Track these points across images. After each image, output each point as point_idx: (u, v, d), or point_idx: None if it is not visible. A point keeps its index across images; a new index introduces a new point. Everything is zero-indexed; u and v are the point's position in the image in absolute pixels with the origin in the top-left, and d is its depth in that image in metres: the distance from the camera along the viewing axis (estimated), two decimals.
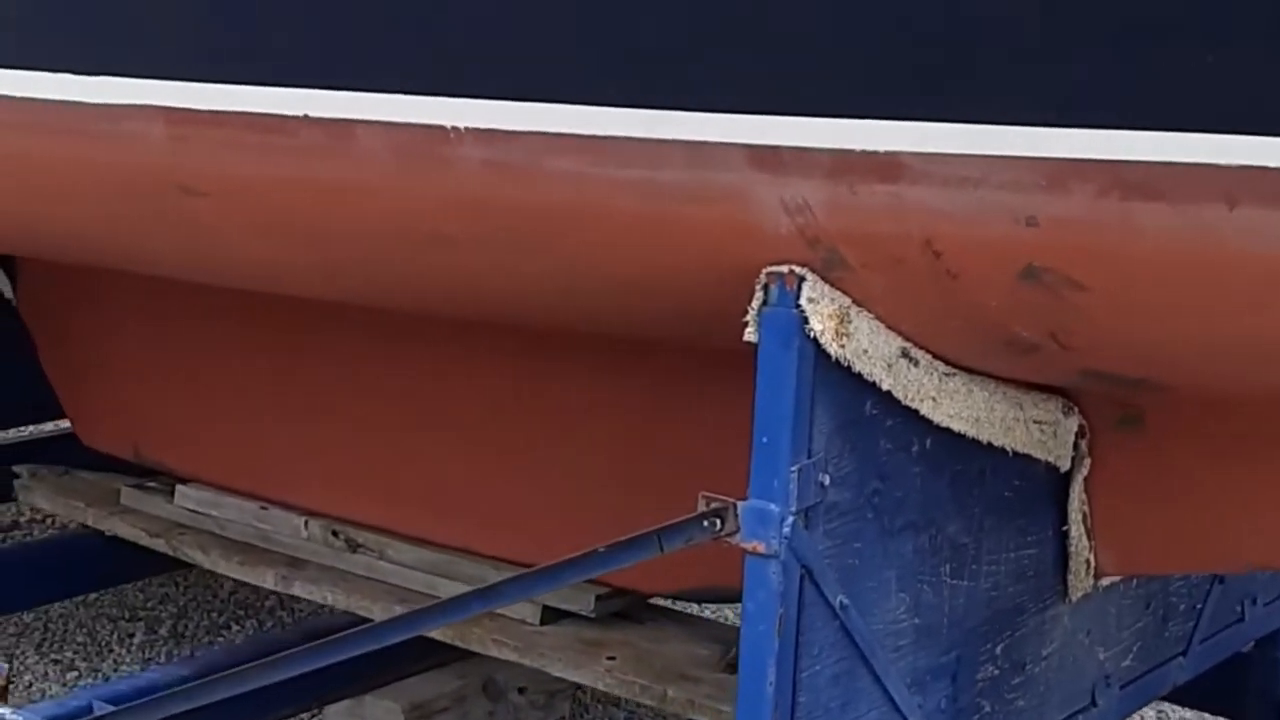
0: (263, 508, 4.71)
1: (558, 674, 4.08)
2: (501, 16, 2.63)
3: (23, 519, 6.45)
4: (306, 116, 2.74)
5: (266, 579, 4.59)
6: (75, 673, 5.15)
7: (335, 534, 4.56)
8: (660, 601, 4.35)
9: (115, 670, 5.20)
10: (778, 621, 2.73)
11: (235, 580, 5.67)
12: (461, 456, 4.32)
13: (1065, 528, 3.37)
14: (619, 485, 4.07)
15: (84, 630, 5.51)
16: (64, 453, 5.43)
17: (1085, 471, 3.31)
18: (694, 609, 4.54)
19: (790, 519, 2.72)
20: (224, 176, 2.90)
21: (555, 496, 4.19)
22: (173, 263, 3.25)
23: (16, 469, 5.25)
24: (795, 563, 2.74)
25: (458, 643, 4.21)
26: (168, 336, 4.88)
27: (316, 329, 4.42)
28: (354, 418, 4.51)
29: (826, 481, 2.78)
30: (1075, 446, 3.31)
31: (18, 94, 2.99)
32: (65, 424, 5.57)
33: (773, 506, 2.71)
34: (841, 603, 2.84)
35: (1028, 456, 3.21)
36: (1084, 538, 3.39)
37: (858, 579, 2.89)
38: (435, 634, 4.27)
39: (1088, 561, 3.44)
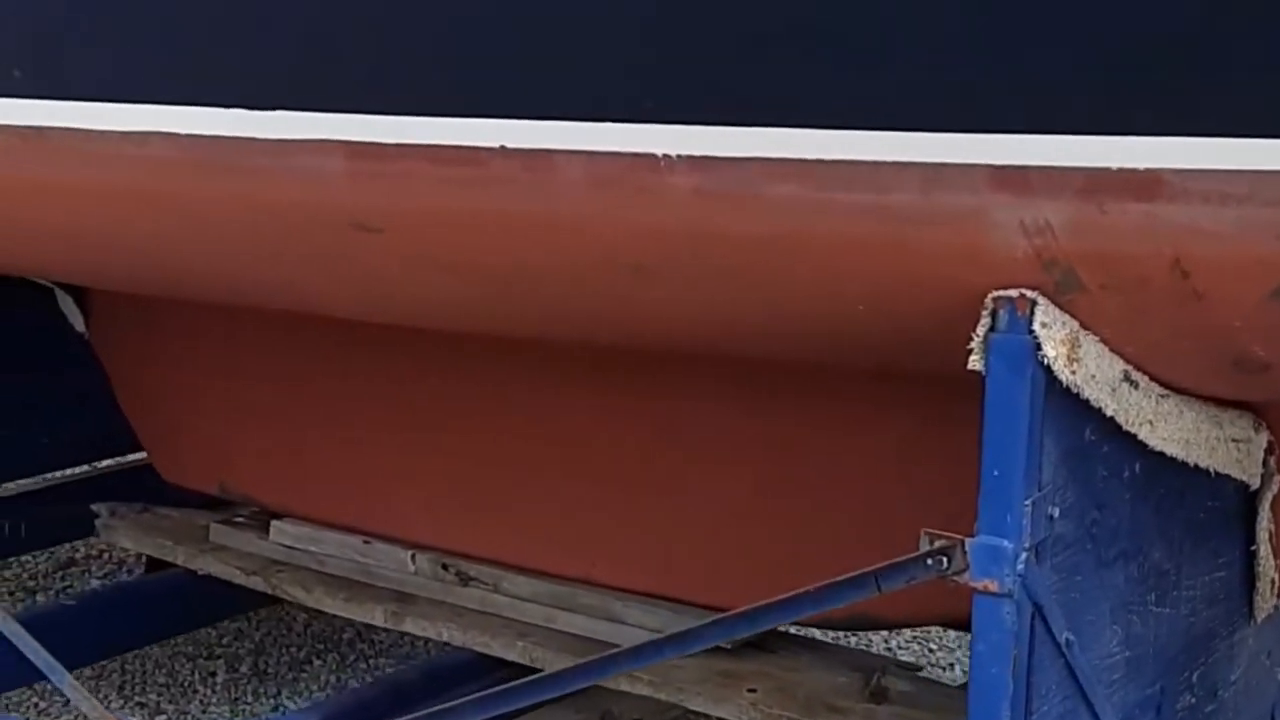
0: (365, 542, 4.57)
1: (697, 709, 3.95)
2: (714, 38, 2.50)
3: (78, 554, 6.30)
4: (503, 148, 2.60)
5: (375, 616, 4.45)
6: (163, 716, 5.00)
7: (445, 567, 4.42)
8: (786, 628, 4.22)
9: (204, 712, 5.05)
10: (1012, 663, 2.60)
11: (309, 613, 5.58)
12: (583, 486, 4.18)
13: (1253, 547, 3.26)
14: (752, 516, 3.96)
15: (163, 670, 5.36)
16: (128, 487, 5.29)
17: (1275, 489, 3.20)
18: (819, 634, 4.41)
19: (1023, 555, 2.59)
20: (404, 212, 2.76)
21: (685, 527, 4.06)
22: (331, 300, 3.12)
23: (95, 507, 5.09)
24: (1028, 601, 2.61)
25: None
26: (254, 366, 4.74)
27: (420, 356, 4.29)
28: (464, 448, 4.37)
29: (1056, 514, 2.66)
30: (1264, 464, 3.20)
31: (184, 131, 2.85)
32: (133, 458, 5.44)
33: (1005, 543, 2.58)
34: (1067, 639, 2.72)
35: (1223, 476, 3.10)
36: (1270, 557, 3.29)
37: (1079, 613, 2.77)
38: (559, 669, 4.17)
39: (1273, 581, 3.33)
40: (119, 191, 3.03)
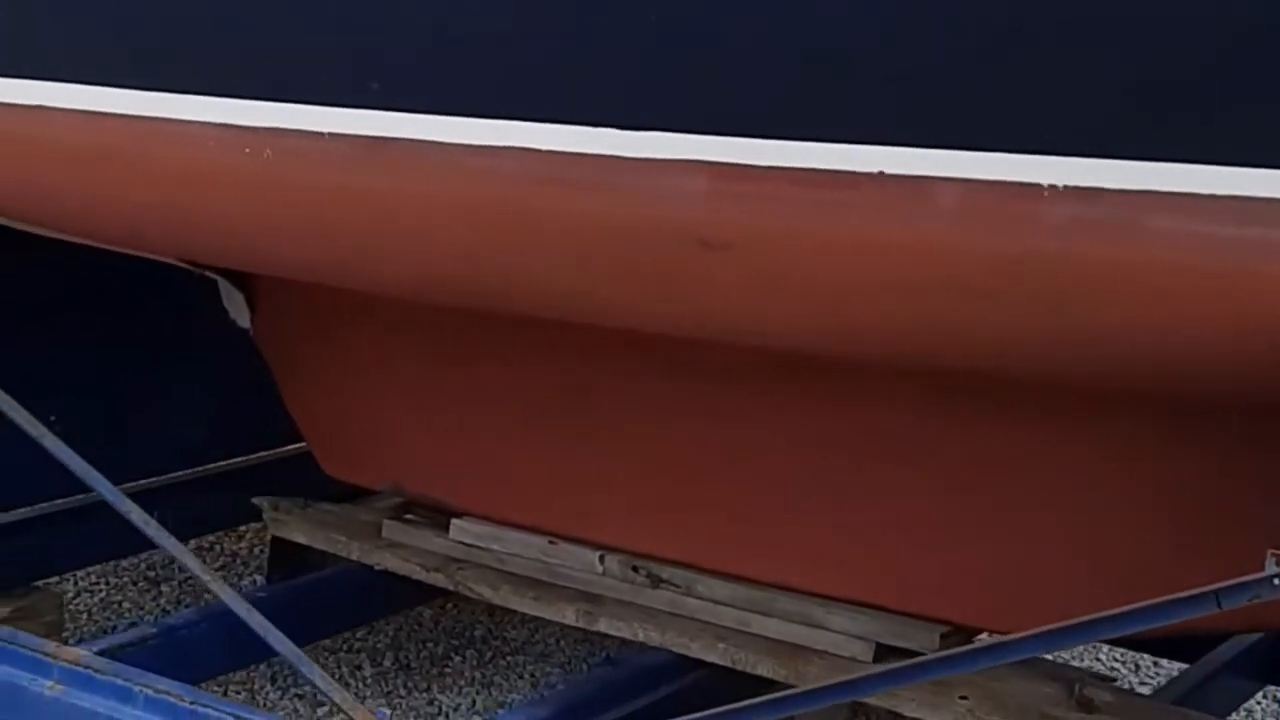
0: (551, 542, 4.64)
1: (911, 714, 4.04)
2: (1103, 70, 2.60)
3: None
4: (881, 174, 2.70)
5: (566, 615, 4.53)
6: (324, 707, 5.05)
7: (635, 569, 4.50)
8: None
9: (361, 703, 5.10)
10: None
11: (434, 609, 5.65)
12: (785, 491, 4.27)
13: None
14: (961, 526, 4.05)
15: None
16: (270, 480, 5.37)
17: None
18: None
19: None
20: (759, 230, 2.85)
21: (892, 535, 4.16)
22: (661, 318, 3.20)
23: (256, 501, 5.14)
24: None
25: (792, 681, 4.16)
26: (432, 363, 4.80)
27: (613, 356, 4.35)
28: (655, 449, 4.45)
29: None
30: None
31: (544, 147, 2.93)
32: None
33: None
34: None
35: None
36: None
37: None
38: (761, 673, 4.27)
39: None
40: (461, 204, 3.10)
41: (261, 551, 5.93)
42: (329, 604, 4.85)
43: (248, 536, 6.24)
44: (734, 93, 2.79)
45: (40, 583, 4.93)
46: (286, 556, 5.25)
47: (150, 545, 4.34)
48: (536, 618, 4.69)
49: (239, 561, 6.12)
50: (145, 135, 3.42)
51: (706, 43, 2.80)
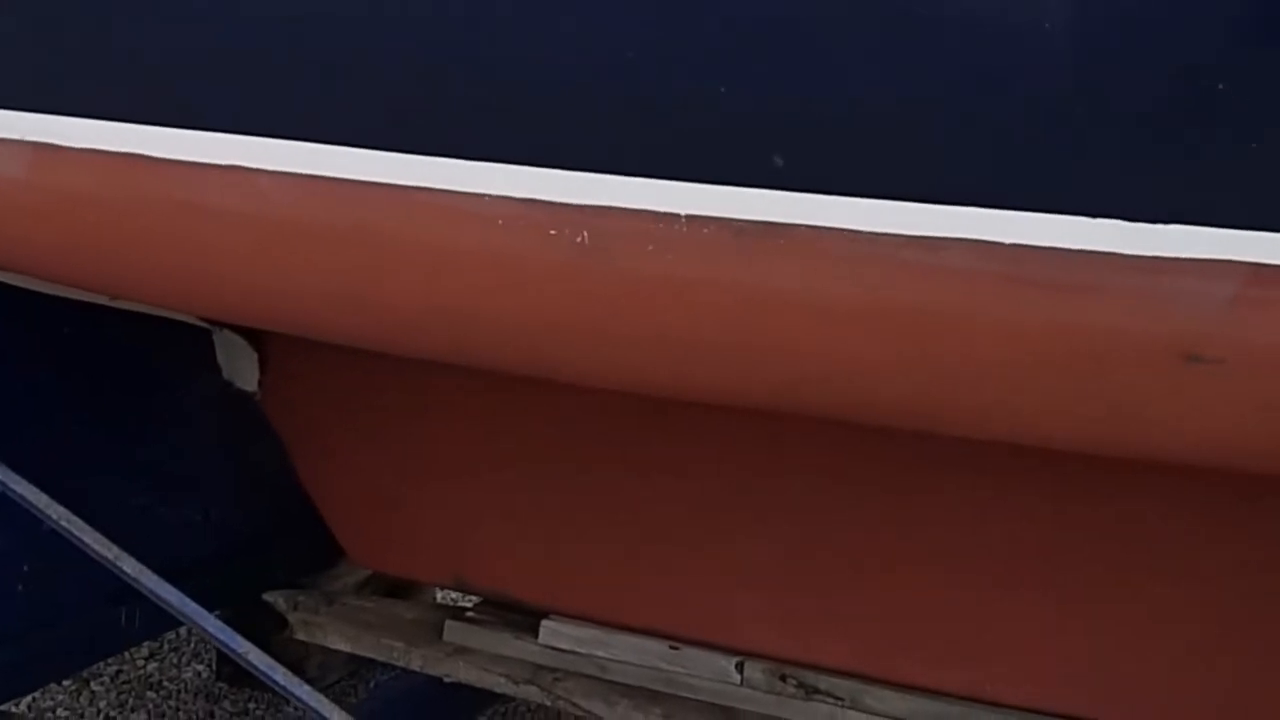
0: (672, 647, 4.00)
1: None
2: None
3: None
4: None
5: None
6: None
7: (784, 678, 3.90)
8: None
9: None
10: None
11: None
12: (977, 587, 3.73)
13: None
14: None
15: None
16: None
17: None
18: None
19: None
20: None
21: (1106, 640, 3.67)
22: (1054, 430, 2.63)
23: (269, 598, 4.35)
24: None
25: None
26: (504, 439, 4.12)
27: (761, 435, 3.76)
28: (803, 540, 3.87)
29: None
30: None
31: (1003, 240, 2.33)
32: None
33: None
34: None
35: None
36: None
37: None
38: None
39: None
40: (876, 307, 2.46)
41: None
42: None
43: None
44: None
45: None
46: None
47: None
48: None
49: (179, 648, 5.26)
50: (396, 210, 2.66)
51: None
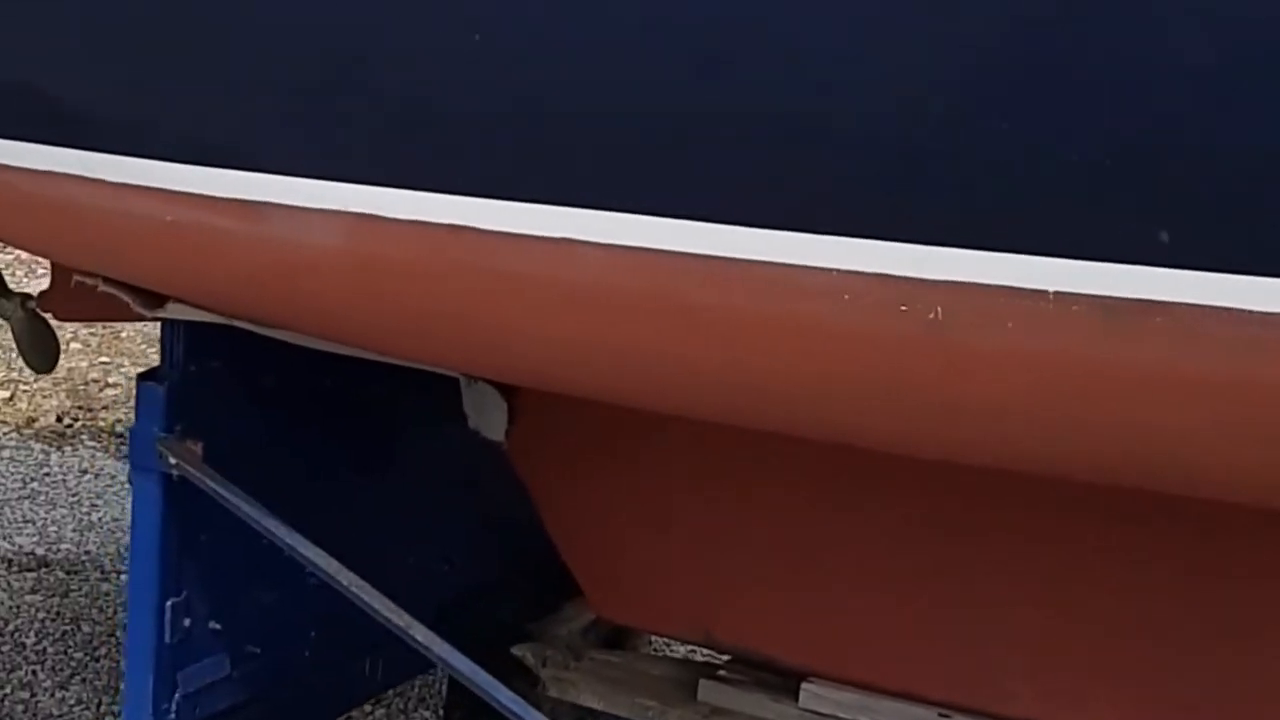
0: (942, 715, 3.87)
1: None
2: None
3: None
4: None
5: None
6: None
7: None
8: None
9: None
10: None
11: None
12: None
13: None
14: None
15: None
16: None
17: None
18: None
19: None
20: None
21: None
22: None
23: (518, 651, 4.27)
24: None
25: None
26: (761, 495, 4.00)
27: (1038, 504, 3.62)
28: (1085, 613, 3.72)
29: None
30: None
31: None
32: None
33: None
34: None
35: None
36: None
37: None
38: None
39: None
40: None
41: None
42: None
43: None
44: None
45: None
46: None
47: None
48: None
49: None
50: (733, 283, 2.58)
51: None
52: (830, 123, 2.46)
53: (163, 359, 3.72)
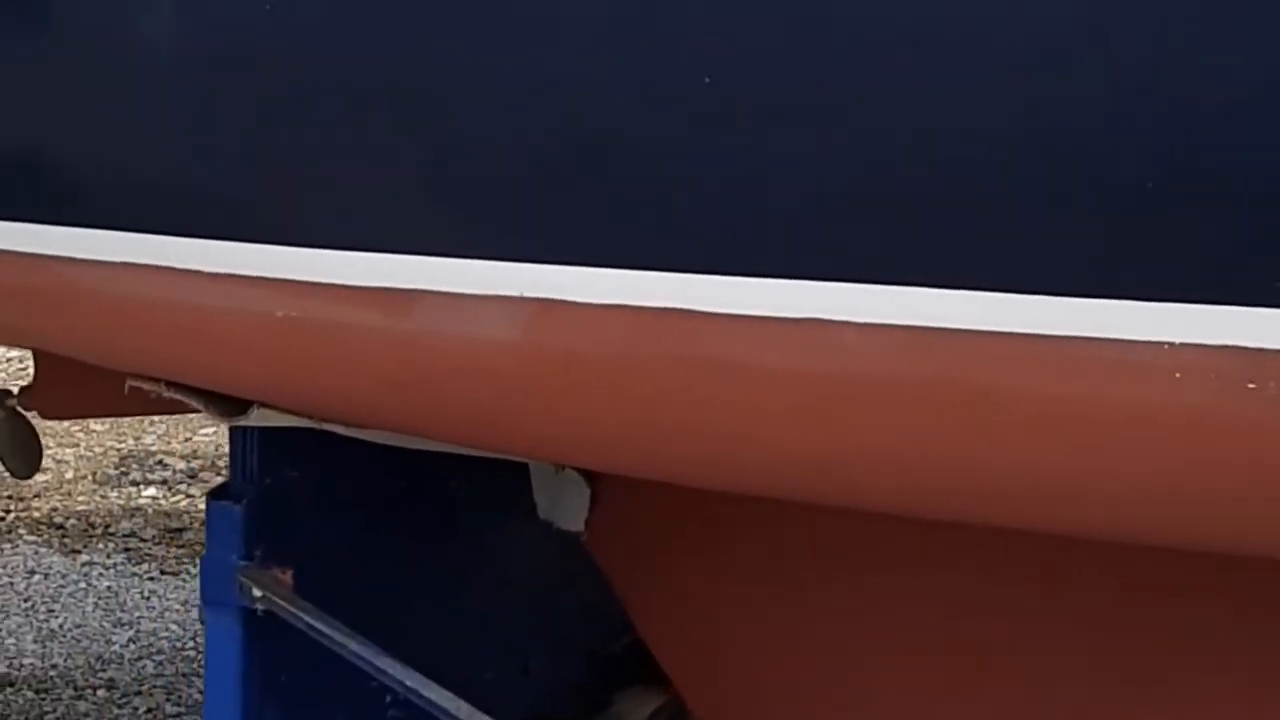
0: None
1: None
2: None
3: None
4: None
5: None
6: None
7: None
8: None
9: None
10: None
11: None
12: None
13: None
14: None
15: None
16: None
17: None
18: None
19: None
20: None
21: None
22: None
23: None
24: None
25: None
26: (866, 592, 3.64)
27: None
28: None
29: None
30: None
31: None
32: None
33: None
34: None
35: None
36: None
37: None
38: None
39: None
40: None
41: None
42: None
43: None
44: None
45: None
46: None
47: None
48: None
49: None
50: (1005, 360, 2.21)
51: None
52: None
53: (233, 472, 3.25)
